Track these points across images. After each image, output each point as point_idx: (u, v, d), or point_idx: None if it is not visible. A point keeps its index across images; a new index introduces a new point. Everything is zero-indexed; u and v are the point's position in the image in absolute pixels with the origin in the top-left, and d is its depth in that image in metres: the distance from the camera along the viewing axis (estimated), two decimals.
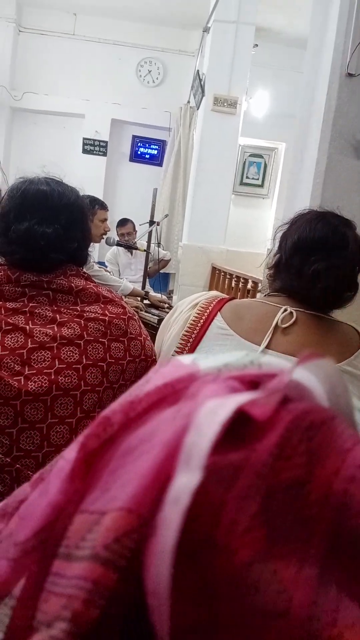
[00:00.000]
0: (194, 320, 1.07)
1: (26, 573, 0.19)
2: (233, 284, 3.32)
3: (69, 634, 0.16)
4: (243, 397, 0.18)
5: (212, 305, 1.10)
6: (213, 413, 0.18)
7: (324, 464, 0.15)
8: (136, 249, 3.43)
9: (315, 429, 0.16)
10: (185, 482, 0.17)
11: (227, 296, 1.14)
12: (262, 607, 0.15)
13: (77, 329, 0.94)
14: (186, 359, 0.25)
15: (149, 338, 1.08)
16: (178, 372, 0.23)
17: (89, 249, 1.11)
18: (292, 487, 0.15)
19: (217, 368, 0.22)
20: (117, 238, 3.75)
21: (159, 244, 3.80)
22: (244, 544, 0.15)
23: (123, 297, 1.01)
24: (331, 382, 0.19)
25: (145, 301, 3.25)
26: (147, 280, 3.59)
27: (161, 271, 4.52)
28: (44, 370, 0.88)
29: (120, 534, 0.16)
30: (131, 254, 4.12)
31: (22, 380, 0.86)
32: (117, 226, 4.12)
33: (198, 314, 1.08)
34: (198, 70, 4.06)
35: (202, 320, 1.07)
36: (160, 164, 5.58)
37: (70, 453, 0.22)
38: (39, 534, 0.19)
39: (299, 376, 0.19)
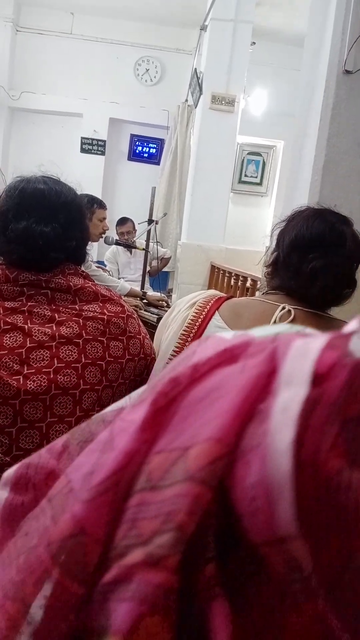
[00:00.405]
0: (192, 319, 1.07)
1: (100, 512, 0.21)
2: (232, 282, 3.32)
3: (176, 542, 0.18)
4: (325, 337, 0.21)
5: (210, 303, 1.10)
6: (306, 345, 0.21)
7: None
8: (135, 247, 3.43)
9: None
10: (292, 394, 0.19)
11: (225, 295, 1.14)
12: (355, 505, 0.17)
13: (75, 328, 0.94)
14: (227, 334, 0.28)
15: (148, 336, 1.08)
16: (230, 342, 0.25)
17: (87, 248, 1.11)
18: None
19: (271, 335, 0.24)
20: (116, 237, 3.75)
21: (157, 242, 3.80)
22: (330, 457, 0.17)
23: (122, 296, 1.02)
24: None
25: (144, 301, 3.25)
26: (147, 279, 3.59)
27: (167, 257, 4.53)
28: (43, 370, 0.88)
29: (213, 458, 0.19)
30: (130, 253, 4.12)
31: (21, 379, 0.86)
32: (117, 225, 4.12)
33: (196, 312, 1.08)
34: (196, 69, 4.06)
35: (200, 319, 1.07)
36: (158, 163, 5.58)
37: (130, 415, 0.24)
38: (112, 477, 0.22)
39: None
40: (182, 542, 0.18)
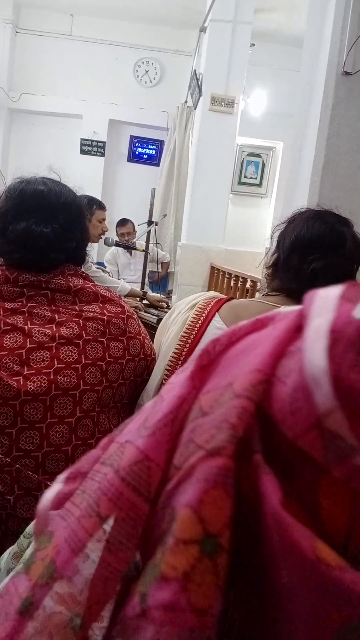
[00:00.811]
0: (192, 321, 1.07)
1: (160, 442, 0.25)
2: (232, 284, 3.32)
3: (231, 437, 0.22)
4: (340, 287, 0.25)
5: (210, 305, 1.10)
6: (327, 291, 0.25)
7: None
8: (135, 249, 3.43)
9: None
10: (322, 320, 0.23)
11: (225, 296, 1.14)
12: None
13: (75, 329, 0.94)
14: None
15: (148, 337, 1.08)
16: (261, 315, 0.30)
17: (87, 249, 1.11)
18: None
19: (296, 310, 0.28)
20: (116, 238, 3.75)
21: (157, 244, 3.80)
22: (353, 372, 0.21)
23: (122, 297, 1.01)
24: None
25: (144, 301, 3.25)
26: (147, 280, 3.59)
27: (165, 262, 4.53)
28: (43, 370, 0.88)
29: (255, 382, 0.23)
30: (130, 254, 4.12)
31: (21, 380, 0.86)
32: (117, 226, 4.12)
33: (196, 314, 1.08)
34: (195, 70, 4.06)
35: (200, 321, 1.07)
36: (158, 164, 5.58)
37: (175, 378, 0.28)
38: (168, 416, 0.25)
39: None
40: (235, 439, 0.22)
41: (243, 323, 0.30)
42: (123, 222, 4.14)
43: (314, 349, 0.22)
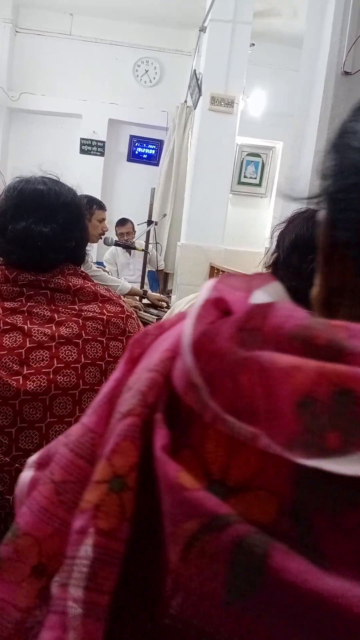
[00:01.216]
0: None
1: (100, 417, 0.31)
2: None
3: (140, 402, 0.27)
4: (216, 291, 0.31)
5: None
6: (200, 295, 0.30)
7: (271, 321, 0.27)
8: (134, 248, 3.43)
9: (264, 310, 0.28)
10: (197, 301, 0.29)
11: None
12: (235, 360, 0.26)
13: (75, 328, 0.94)
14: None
15: None
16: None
17: (87, 249, 1.11)
18: (254, 331, 0.27)
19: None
20: (115, 238, 3.75)
21: (157, 244, 3.80)
22: (225, 340, 0.27)
23: (121, 296, 1.01)
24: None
25: (144, 300, 3.25)
26: (147, 280, 3.59)
27: (160, 269, 4.54)
28: (43, 370, 0.88)
29: (164, 358, 0.29)
30: (129, 254, 4.12)
31: (21, 379, 0.86)
32: (117, 225, 4.12)
33: None
34: (195, 70, 4.06)
35: None
36: (157, 164, 5.58)
37: (115, 371, 0.34)
38: (107, 395, 0.32)
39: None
40: (144, 403, 0.27)
41: (170, 317, 0.35)
42: (123, 222, 4.14)
43: (187, 324, 0.28)
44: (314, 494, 0.22)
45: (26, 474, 0.36)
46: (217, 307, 0.29)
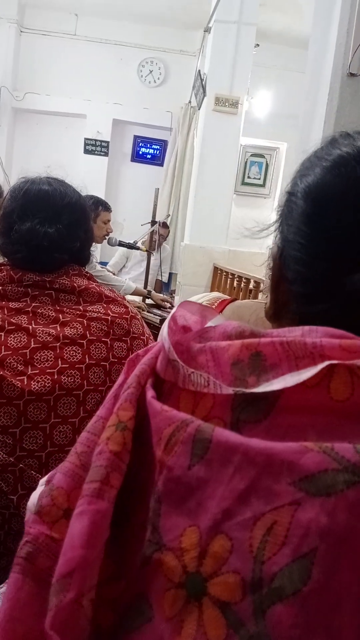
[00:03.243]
0: None
1: (110, 405, 0.44)
2: (235, 284, 3.32)
3: (136, 380, 0.42)
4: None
5: (213, 307, 1.10)
6: (170, 313, 0.45)
7: (219, 329, 0.41)
8: (138, 249, 3.43)
9: (214, 327, 0.42)
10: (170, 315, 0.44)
11: (229, 297, 1.14)
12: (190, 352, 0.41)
13: (79, 329, 0.94)
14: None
15: (152, 337, 1.08)
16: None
17: (92, 249, 1.11)
18: (208, 336, 0.41)
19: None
20: (119, 238, 3.75)
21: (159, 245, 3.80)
22: (190, 339, 0.41)
23: (125, 297, 1.01)
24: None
25: (148, 300, 3.25)
26: (149, 280, 3.60)
27: (163, 267, 4.54)
28: (47, 370, 0.88)
29: (151, 356, 0.43)
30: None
31: (25, 380, 0.87)
32: (162, 227, 4.05)
33: None
34: (199, 70, 4.06)
35: None
36: (161, 164, 5.58)
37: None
38: (113, 393, 0.45)
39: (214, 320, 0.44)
40: (138, 380, 0.42)
41: (150, 346, 0.47)
42: (165, 225, 4.30)
43: (164, 328, 0.42)
44: (241, 413, 0.35)
45: (38, 490, 0.44)
46: (184, 329, 0.42)
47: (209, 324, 0.43)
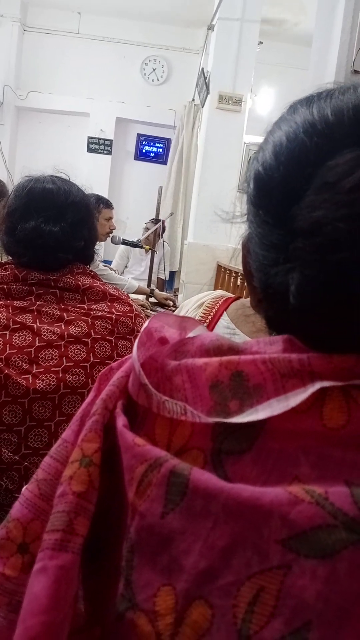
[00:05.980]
0: (200, 320, 1.07)
1: (75, 431, 0.41)
2: (239, 282, 3.31)
3: (102, 405, 0.38)
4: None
5: (218, 304, 1.09)
6: (143, 326, 0.41)
7: (196, 342, 0.38)
8: (141, 247, 3.43)
9: (192, 338, 0.38)
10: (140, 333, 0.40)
11: (233, 295, 1.14)
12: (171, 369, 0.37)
13: (84, 327, 0.94)
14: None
15: None
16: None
17: (95, 248, 1.12)
18: (184, 350, 0.38)
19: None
20: (123, 236, 3.75)
21: (164, 242, 3.80)
22: (164, 356, 0.38)
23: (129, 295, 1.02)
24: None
25: (151, 299, 3.25)
26: (153, 278, 3.59)
27: (166, 266, 4.52)
28: (52, 369, 0.89)
29: (120, 376, 0.40)
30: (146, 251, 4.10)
31: (30, 378, 0.87)
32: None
33: (204, 313, 1.08)
34: (203, 68, 4.05)
35: (208, 320, 1.07)
36: (165, 162, 5.57)
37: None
38: (78, 415, 0.42)
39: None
40: (105, 405, 0.38)
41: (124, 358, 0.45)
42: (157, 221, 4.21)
43: (134, 349, 0.38)
44: (223, 443, 0.32)
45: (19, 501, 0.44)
46: (160, 341, 0.39)
47: (190, 334, 0.40)
